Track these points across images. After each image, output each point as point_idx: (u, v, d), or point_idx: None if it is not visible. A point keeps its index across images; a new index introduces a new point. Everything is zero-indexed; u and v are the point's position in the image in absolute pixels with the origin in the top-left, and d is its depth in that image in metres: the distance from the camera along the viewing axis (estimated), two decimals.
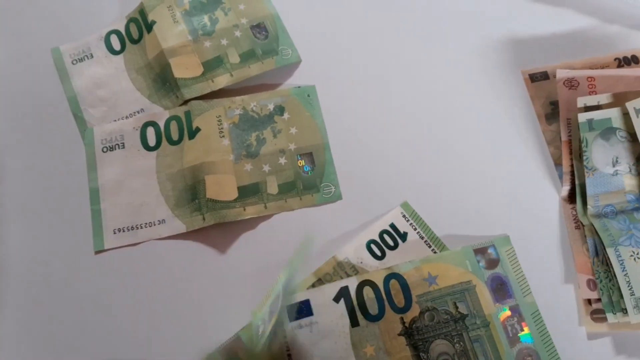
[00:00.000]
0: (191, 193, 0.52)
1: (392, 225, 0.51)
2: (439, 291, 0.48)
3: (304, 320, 0.47)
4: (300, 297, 0.48)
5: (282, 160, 0.53)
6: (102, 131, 0.55)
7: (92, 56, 0.58)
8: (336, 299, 0.48)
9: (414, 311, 0.48)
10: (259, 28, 0.59)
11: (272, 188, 0.52)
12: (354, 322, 0.47)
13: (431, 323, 0.47)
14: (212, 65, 0.56)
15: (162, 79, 0.56)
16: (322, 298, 0.48)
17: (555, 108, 0.56)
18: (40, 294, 0.50)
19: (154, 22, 0.57)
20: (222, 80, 0.55)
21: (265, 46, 0.57)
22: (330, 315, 0.47)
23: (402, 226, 0.51)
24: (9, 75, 0.59)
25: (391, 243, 0.50)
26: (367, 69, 0.59)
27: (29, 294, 0.50)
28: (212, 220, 0.50)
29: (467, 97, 0.57)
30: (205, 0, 0.59)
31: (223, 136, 0.53)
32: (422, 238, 0.51)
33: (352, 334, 0.47)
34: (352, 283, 0.48)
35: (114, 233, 0.52)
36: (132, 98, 0.56)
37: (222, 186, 0.52)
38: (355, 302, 0.48)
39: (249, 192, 0.52)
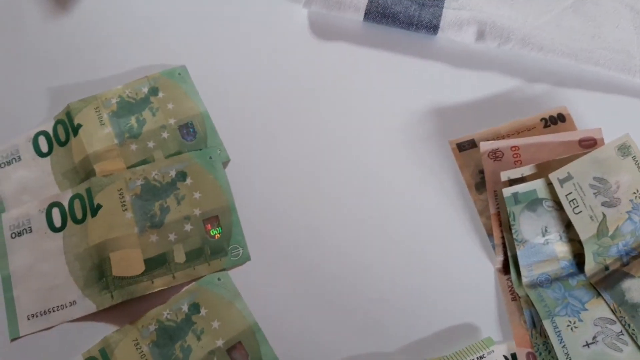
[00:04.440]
0: (98, 272, 0.52)
1: None
2: None
3: None
4: None
5: (188, 227, 0.53)
6: (9, 217, 0.55)
7: (19, 158, 0.58)
8: None
9: None
10: (187, 128, 0.58)
11: (180, 257, 0.52)
12: None
13: None
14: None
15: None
16: None
17: (485, 177, 0.55)
18: None
19: (80, 126, 0.57)
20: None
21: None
22: None
23: None
24: None
25: None
26: (288, 144, 0.58)
27: None
28: (120, 298, 0.51)
29: (395, 172, 0.56)
30: (134, 100, 0.59)
31: (126, 209, 0.53)
32: None
33: None
34: None
35: (28, 319, 0.52)
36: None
37: (127, 261, 0.52)
38: None
39: (156, 263, 0.52)
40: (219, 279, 0.52)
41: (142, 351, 0.50)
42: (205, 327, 0.50)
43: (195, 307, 0.51)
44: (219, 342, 0.50)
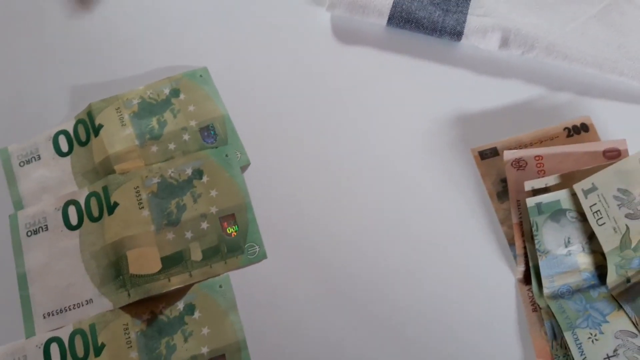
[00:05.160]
0: (115, 270, 0.51)
1: None
2: None
3: None
4: None
5: (205, 225, 0.53)
6: (25, 215, 0.55)
7: (39, 157, 0.57)
8: None
9: None
10: (207, 130, 0.57)
11: (196, 255, 0.52)
12: None
13: None
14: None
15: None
16: None
17: (507, 186, 0.55)
18: None
19: (101, 126, 0.57)
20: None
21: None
22: None
23: None
24: None
25: None
26: (309, 148, 0.58)
27: None
28: (137, 296, 0.50)
29: (417, 179, 0.56)
30: (155, 101, 0.58)
31: (142, 207, 0.53)
32: None
33: None
34: None
35: (44, 318, 0.51)
36: None
37: (144, 259, 0.51)
38: None
39: (172, 261, 0.51)
40: (220, 286, 0.51)
41: (129, 337, 0.50)
42: (195, 330, 0.50)
43: (190, 308, 0.51)
44: (204, 350, 0.50)
